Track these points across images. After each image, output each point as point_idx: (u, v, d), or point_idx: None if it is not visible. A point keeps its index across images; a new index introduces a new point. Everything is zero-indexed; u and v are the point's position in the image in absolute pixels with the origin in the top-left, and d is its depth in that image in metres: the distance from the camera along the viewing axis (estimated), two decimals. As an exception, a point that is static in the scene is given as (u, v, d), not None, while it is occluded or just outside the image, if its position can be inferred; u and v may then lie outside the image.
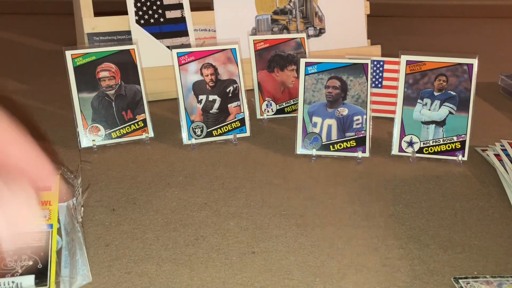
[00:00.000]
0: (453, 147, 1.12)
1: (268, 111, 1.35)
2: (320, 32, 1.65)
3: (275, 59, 1.35)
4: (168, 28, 1.49)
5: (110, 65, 1.19)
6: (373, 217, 0.92)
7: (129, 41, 1.44)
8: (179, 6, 1.50)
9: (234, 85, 1.22)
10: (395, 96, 1.16)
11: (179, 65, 1.19)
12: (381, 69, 1.34)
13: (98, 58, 1.18)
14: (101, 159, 1.13)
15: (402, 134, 1.14)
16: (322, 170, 1.09)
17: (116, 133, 1.19)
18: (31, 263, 0.72)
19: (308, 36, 1.63)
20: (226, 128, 1.22)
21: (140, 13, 1.46)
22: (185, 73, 1.19)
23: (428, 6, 2.93)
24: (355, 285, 0.75)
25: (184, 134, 1.19)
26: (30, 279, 0.70)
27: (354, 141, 1.14)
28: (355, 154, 1.14)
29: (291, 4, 1.61)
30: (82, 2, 1.42)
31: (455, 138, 1.12)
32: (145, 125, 1.21)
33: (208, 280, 0.76)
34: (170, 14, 1.49)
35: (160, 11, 1.48)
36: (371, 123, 1.15)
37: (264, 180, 1.05)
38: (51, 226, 0.79)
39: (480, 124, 1.33)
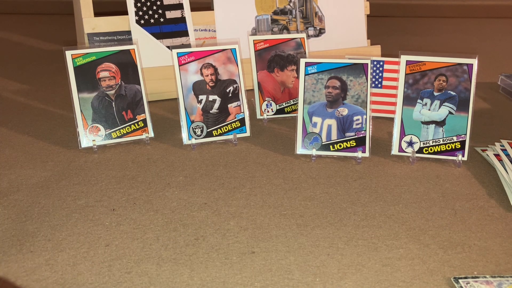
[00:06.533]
0: (453, 147, 1.12)
1: (268, 111, 1.35)
2: (320, 32, 1.65)
3: (275, 59, 1.35)
4: (168, 28, 1.49)
5: (110, 65, 1.19)
6: (373, 217, 0.92)
7: (129, 41, 1.44)
8: (179, 6, 1.50)
9: (234, 85, 1.22)
10: (395, 96, 1.16)
11: (179, 65, 1.19)
12: (381, 69, 1.34)
13: (98, 58, 1.18)
14: (101, 159, 1.13)
15: (402, 134, 1.14)
16: (322, 170, 1.09)
17: (116, 133, 1.19)
18: None
19: (308, 36, 1.63)
20: (226, 128, 1.22)
21: (140, 13, 1.46)
22: (185, 73, 1.19)
23: (428, 6, 2.93)
24: (355, 285, 0.75)
25: (184, 134, 1.19)
26: None
27: (354, 141, 1.14)
28: (355, 154, 1.14)
29: (291, 4, 1.61)
30: (82, 2, 1.42)
31: (455, 138, 1.12)
32: (145, 125, 1.21)
33: (208, 280, 0.76)
34: (170, 14, 1.49)
35: (160, 11, 1.48)
36: (371, 123, 1.15)
37: (264, 180, 1.05)
38: None
39: (480, 124, 1.33)
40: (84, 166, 1.10)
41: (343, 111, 1.14)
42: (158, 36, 1.48)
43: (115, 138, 1.19)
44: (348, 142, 1.14)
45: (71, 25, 1.74)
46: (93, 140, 1.17)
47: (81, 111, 1.16)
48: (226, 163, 1.12)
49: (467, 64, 1.12)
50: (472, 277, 0.76)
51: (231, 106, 1.22)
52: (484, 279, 0.75)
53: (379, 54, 1.68)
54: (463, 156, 1.12)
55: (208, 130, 1.20)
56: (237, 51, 1.23)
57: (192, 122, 1.19)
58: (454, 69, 1.12)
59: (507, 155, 1.10)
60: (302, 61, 1.15)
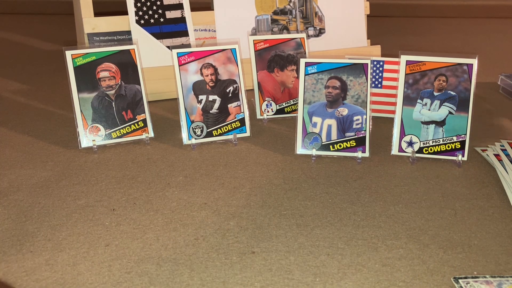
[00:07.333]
0: (453, 147, 1.12)
1: (268, 111, 1.35)
2: (320, 32, 1.65)
3: (275, 59, 1.36)
4: (168, 28, 1.49)
5: (110, 65, 1.19)
6: (373, 217, 0.92)
7: (129, 41, 1.44)
8: (179, 6, 1.50)
9: (234, 85, 1.22)
10: (395, 96, 1.16)
11: (179, 65, 1.19)
12: (381, 69, 1.34)
13: (98, 58, 1.18)
14: (101, 159, 1.13)
15: (402, 134, 1.14)
16: (322, 170, 1.09)
17: (116, 133, 1.19)
18: None
19: (308, 36, 1.63)
20: (226, 128, 1.22)
21: (140, 13, 1.46)
22: (185, 73, 1.19)
23: (428, 6, 2.93)
24: (355, 285, 0.75)
25: (184, 134, 1.19)
26: None
27: (354, 141, 1.14)
28: (355, 154, 1.14)
29: (291, 4, 1.61)
30: (82, 2, 1.42)
31: (455, 138, 1.12)
32: (145, 125, 1.21)
33: (208, 280, 0.76)
34: (170, 14, 1.49)
35: (160, 11, 1.48)
36: (371, 123, 1.15)
37: (264, 180, 1.05)
38: None
39: (480, 124, 1.33)
40: (84, 166, 1.10)
41: (343, 111, 1.14)
42: (158, 36, 1.48)
43: (115, 138, 1.19)
44: (348, 142, 1.14)
45: (71, 25, 1.74)
46: (93, 140, 1.17)
47: (81, 111, 1.16)
48: (226, 163, 1.12)
49: (467, 64, 1.12)
50: (472, 277, 0.76)
51: (231, 106, 1.22)
52: (484, 279, 0.75)
53: (379, 54, 1.68)
54: (463, 156, 1.12)
55: (208, 130, 1.20)
56: (237, 51, 1.23)
57: (192, 122, 1.19)
58: (454, 69, 1.12)
59: (507, 155, 1.10)
60: (302, 61, 1.15)
